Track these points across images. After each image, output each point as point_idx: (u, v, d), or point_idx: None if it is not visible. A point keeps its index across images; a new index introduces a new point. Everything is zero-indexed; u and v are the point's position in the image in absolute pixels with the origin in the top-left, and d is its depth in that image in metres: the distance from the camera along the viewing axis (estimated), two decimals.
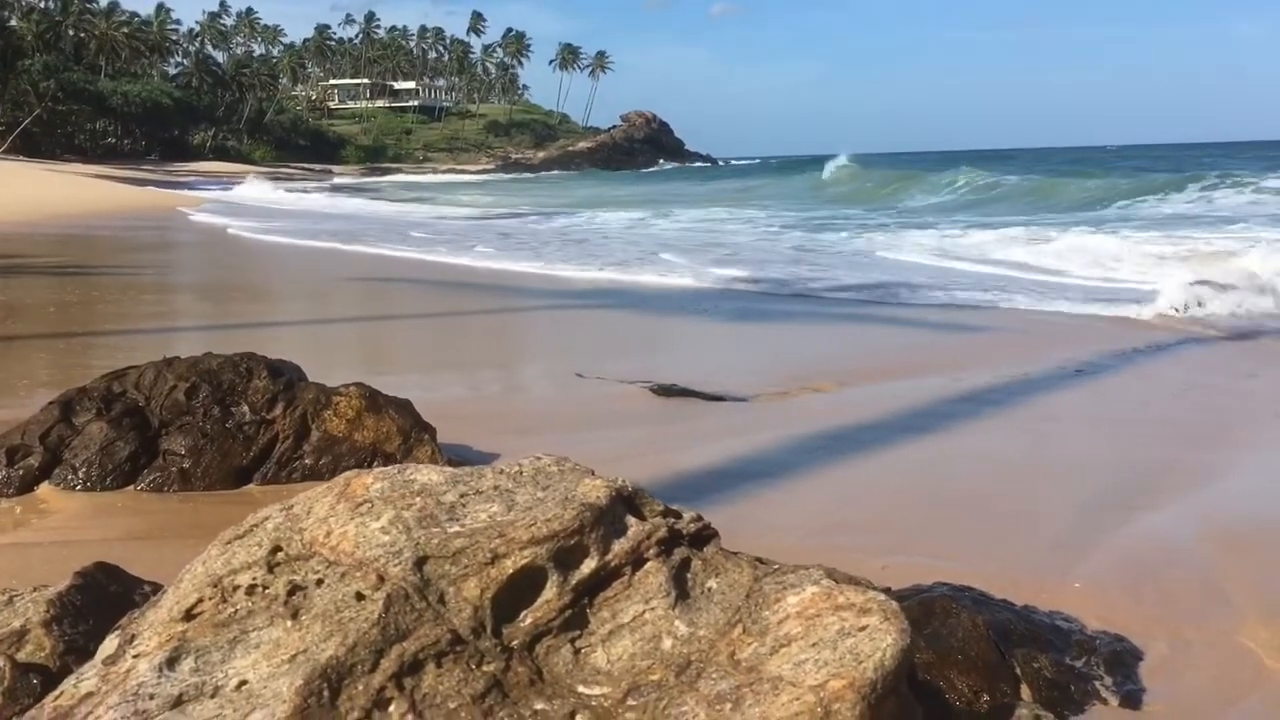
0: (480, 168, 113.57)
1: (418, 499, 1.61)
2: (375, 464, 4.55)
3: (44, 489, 4.17)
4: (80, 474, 4.22)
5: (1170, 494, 4.37)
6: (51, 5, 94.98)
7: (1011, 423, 5.80)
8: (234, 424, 4.43)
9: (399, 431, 4.56)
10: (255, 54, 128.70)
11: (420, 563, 1.52)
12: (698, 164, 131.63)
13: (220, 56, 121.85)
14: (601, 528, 1.60)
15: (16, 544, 3.61)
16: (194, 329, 9.71)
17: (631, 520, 1.66)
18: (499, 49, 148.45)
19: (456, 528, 1.56)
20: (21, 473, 4.20)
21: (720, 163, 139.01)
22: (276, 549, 1.57)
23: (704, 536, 1.71)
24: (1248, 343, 8.65)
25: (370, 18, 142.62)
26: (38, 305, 10.11)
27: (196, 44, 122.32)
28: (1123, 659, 2.81)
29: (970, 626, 2.60)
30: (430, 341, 9.06)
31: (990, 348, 8.55)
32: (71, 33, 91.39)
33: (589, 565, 1.58)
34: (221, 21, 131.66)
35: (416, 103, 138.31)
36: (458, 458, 4.65)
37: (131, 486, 4.27)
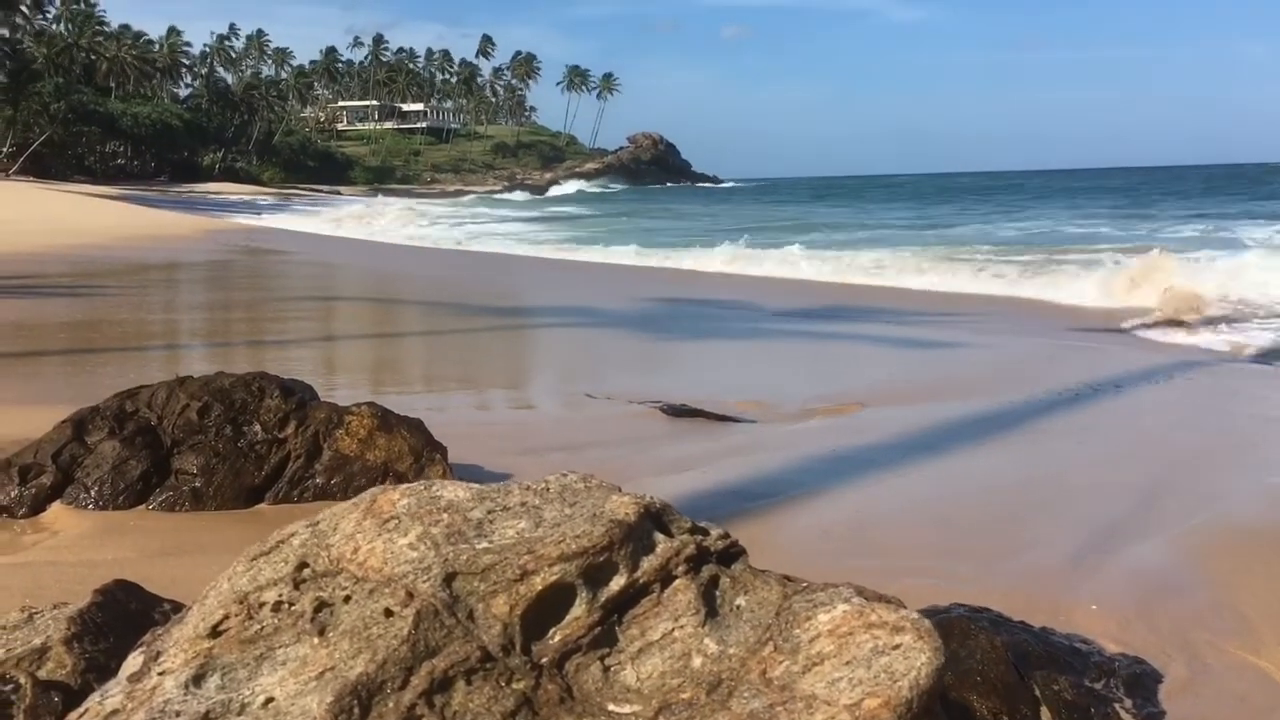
0: (487, 189, 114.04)
1: (445, 515, 1.60)
2: (387, 483, 4.54)
3: (55, 508, 4.17)
4: (92, 493, 4.22)
5: (1185, 513, 4.35)
6: (63, 29, 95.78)
7: (1023, 442, 5.78)
8: (246, 443, 4.43)
9: (411, 451, 4.56)
10: (264, 75, 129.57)
11: (449, 579, 1.51)
12: (702, 185, 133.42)
13: (230, 78, 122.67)
14: (630, 544, 1.59)
15: (29, 563, 3.60)
16: (206, 347, 9.74)
17: (659, 537, 1.65)
18: (507, 71, 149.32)
19: (485, 544, 1.56)
20: (34, 491, 4.20)
21: (727, 184, 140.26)
22: (303, 565, 1.57)
23: (732, 553, 1.70)
24: (1262, 363, 8.62)
25: (378, 40, 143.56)
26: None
27: (207, 66, 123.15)
28: (1142, 681, 2.79)
29: (989, 648, 2.58)
30: (438, 358, 9.08)
31: (998, 367, 8.54)
32: (83, 55, 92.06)
33: (618, 582, 1.57)
34: (230, 44, 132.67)
35: (425, 124, 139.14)
36: (469, 478, 4.65)
37: (143, 506, 4.26)
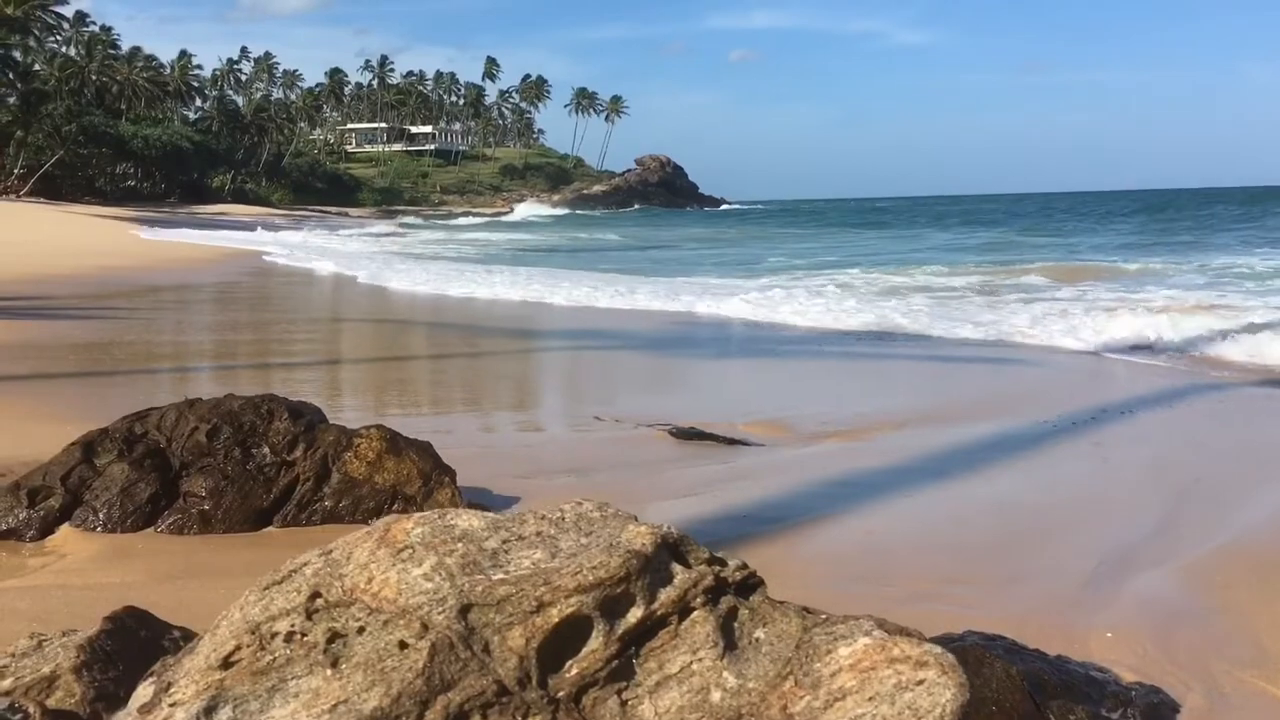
0: (496, 210, 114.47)
1: (460, 545, 1.58)
2: (395, 506, 4.53)
3: (64, 530, 4.16)
4: (100, 515, 4.21)
5: (1199, 538, 4.31)
6: (75, 52, 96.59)
7: (1033, 466, 5.75)
8: (255, 466, 4.42)
9: (419, 474, 4.55)
10: (274, 98, 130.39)
11: (465, 611, 1.49)
12: (706, 207, 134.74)
13: (240, 101, 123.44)
14: (648, 576, 1.57)
15: (37, 586, 3.59)
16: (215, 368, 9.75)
17: (677, 568, 1.63)
18: (515, 93, 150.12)
19: (500, 575, 1.54)
20: (42, 514, 4.19)
21: (733, 205, 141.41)
22: (315, 595, 1.55)
23: (750, 584, 1.68)
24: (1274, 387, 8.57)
25: (384, 62, 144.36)
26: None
27: (217, 89, 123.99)
28: (1159, 711, 2.75)
29: (1005, 677, 2.55)
30: (444, 379, 9.08)
31: (1011, 389, 8.51)
32: (94, 77, 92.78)
33: (635, 614, 1.55)
34: (240, 67, 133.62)
35: (433, 146, 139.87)
36: (478, 501, 4.63)
37: (151, 528, 4.25)
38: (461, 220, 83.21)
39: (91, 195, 79.61)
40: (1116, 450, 6.18)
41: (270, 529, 4.35)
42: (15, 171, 74.97)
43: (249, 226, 52.05)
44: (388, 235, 53.64)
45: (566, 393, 9.05)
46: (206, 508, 4.31)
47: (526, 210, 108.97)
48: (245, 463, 4.42)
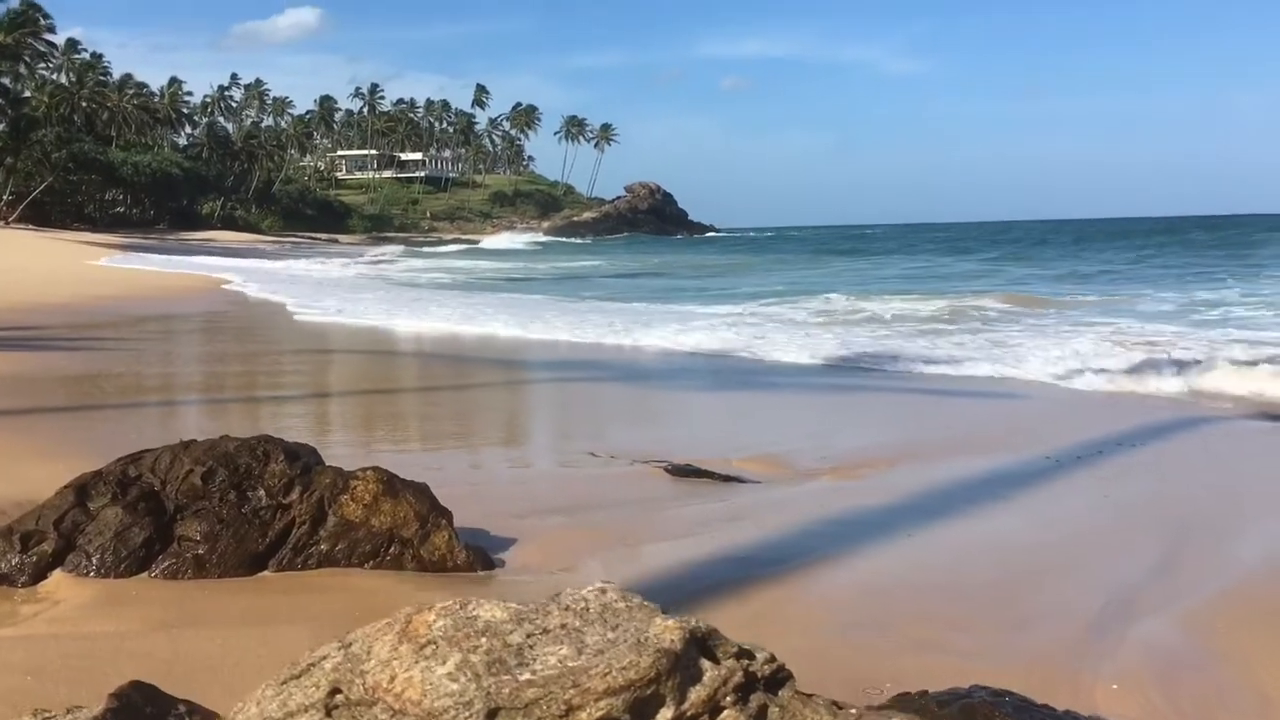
0: (486, 237, 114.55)
1: (483, 640, 1.55)
2: (392, 549, 4.49)
3: (57, 576, 4.11)
4: (94, 561, 4.16)
5: (1202, 580, 4.30)
6: (66, 79, 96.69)
7: (1031, 505, 5.74)
8: (250, 509, 4.38)
9: (416, 517, 4.51)
10: (264, 125, 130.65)
11: (492, 715, 1.45)
12: (696, 234, 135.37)
13: (231, 127, 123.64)
14: (677, 674, 1.53)
15: (30, 637, 3.54)
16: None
17: (705, 664, 1.60)
18: (506, 121, 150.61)
19: (527, 675, 1.50)
20: (35, 559, 4.15)
21: (719, 233, 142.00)
22: (335, 691, 1.52)
23: (779, 679, 1.65)
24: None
25: (374, 89, 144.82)
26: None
27: (208, 115, 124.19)
28: None
29: None
30: (441, 415, 9.02)
31: (1006, 424, 8.51)
32: (85, 104, 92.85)
33: (665, 716, 1.52)
34: (231, 94, 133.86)
35: (423, 173, 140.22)
36: (474, 542, 4.60)
37: (145, 573, 4.21)
38: (441, 249, 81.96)
39: (80, 222, 79.52)
40: (1114, 485, 6.17)
41: (265, 573, 4.31)
42: (4, 198, 74.82)
43: (238, 253, 52.08)
44: (375, 262, 54.00)
45: (553, 426, 9.02)
46: (201, 552, 4.27)
47: (505, 240, 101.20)
48: (240, 506, 4.39)
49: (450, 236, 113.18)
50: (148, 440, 5.31)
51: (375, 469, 4.64)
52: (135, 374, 10.99)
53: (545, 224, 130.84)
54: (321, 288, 28.21)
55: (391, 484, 4.57)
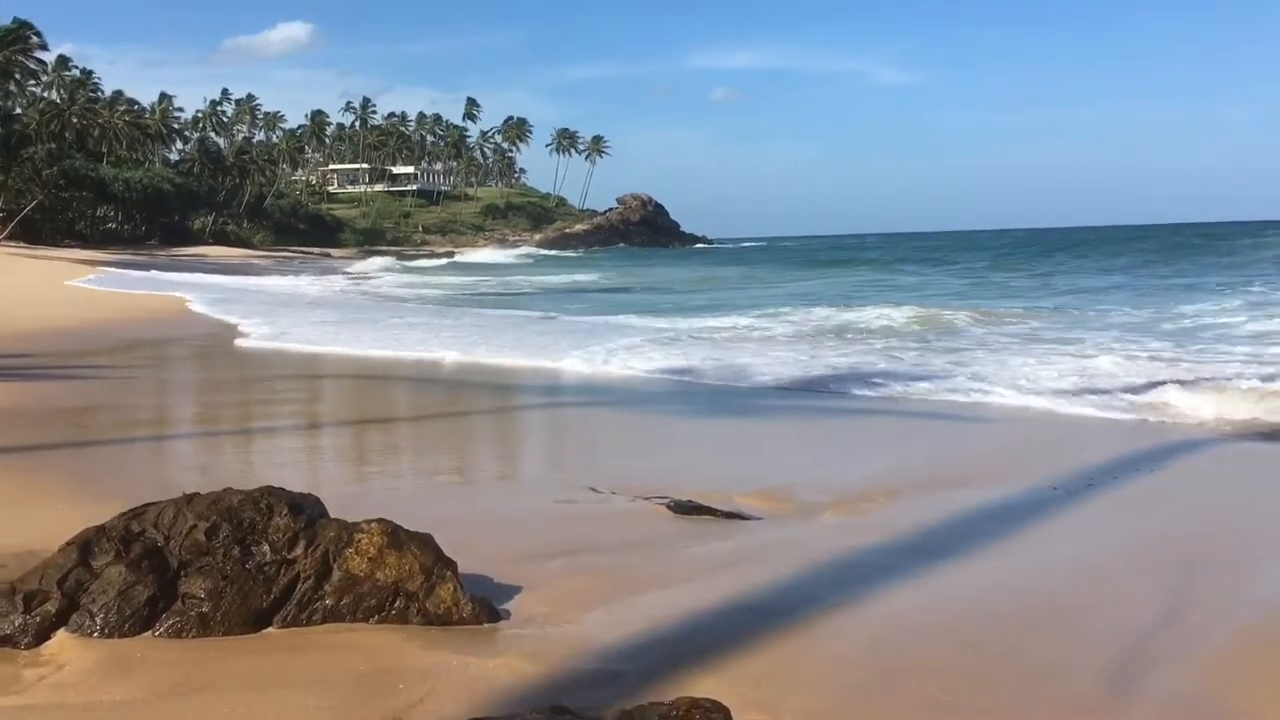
0: (477, 250, 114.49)
1: None
2: (397, 603, 4.46)
3: (60, 636, 4.07)
4: (98, 620, 4.13)
5: (1214, 623, 4.28)
6: (57, 96, 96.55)
7: (1043, 539, 5.72)
8: (254, 564, 4.35)
9: (421, 569, 4.48)
10: (256, 140, 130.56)
11: None
12: (688, 245, 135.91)
13: (222, 142, 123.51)
14: None
15: (35, 706, 3.50)
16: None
17: None
18: (497, 134, 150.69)
19: None
20: (39, 619, 4.11)
21: (710, 244, 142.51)
22: None
23: None
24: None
25: (366, 104, 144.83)
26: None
27: (199, 130, 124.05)
28: None
29: None
30: (430, 445, 8.95)
31: (1005, 450, 8.48)
32: (76, 121, 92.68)
33: None
34: (223, 109, 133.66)
35: (415, 187, 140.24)
36: (477, 591, 4.57)
37: (149, 631, 4.17)
38: (428, 263, 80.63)
39: (72, 239, 79.31)
40: (1122, 517, 6.15)
41: (270, 630, 4.27)
42: None
43: (227, 269, 52.02)
44: (361, 277, 54.27)
45: (557, 459, 8.98)
46: (205, 609, 4.23)
47: (487, 255, 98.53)
48: (244, 561, 4.35)
49: (443, 250, 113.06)
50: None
51: (380, 521, 4.61)
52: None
53: (538, 236, 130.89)
54: (286, 308, 26.87)
55: (396, 536, 4.54)
